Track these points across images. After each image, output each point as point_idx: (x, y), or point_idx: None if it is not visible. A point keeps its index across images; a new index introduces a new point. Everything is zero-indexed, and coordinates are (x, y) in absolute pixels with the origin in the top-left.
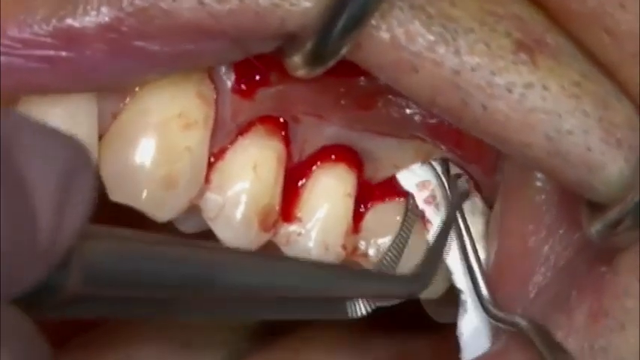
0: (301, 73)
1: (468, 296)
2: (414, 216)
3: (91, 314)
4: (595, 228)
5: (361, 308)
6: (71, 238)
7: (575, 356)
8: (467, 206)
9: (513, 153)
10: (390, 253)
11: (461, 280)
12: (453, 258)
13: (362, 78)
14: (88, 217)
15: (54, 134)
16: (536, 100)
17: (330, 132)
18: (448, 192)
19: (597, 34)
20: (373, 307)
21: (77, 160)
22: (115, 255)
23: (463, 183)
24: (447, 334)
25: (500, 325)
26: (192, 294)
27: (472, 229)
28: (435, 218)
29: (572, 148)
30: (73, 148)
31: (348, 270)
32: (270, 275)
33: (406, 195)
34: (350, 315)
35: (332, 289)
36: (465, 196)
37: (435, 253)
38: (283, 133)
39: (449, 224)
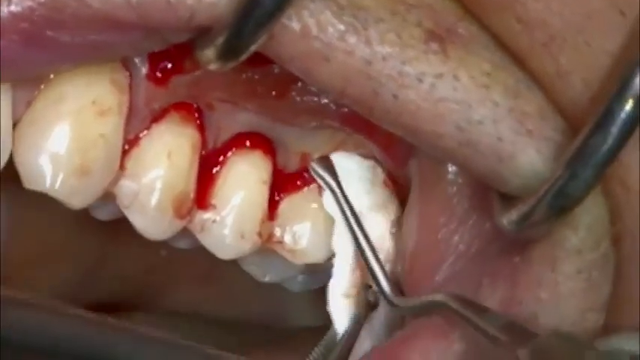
0: (213, 66)
1: (339, 260)
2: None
3: None
4: (506, 219)
5: None
6: None
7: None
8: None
9: (425, 144)
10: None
11: (338, 245)
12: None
13: (275, 65)
14: None
15: None
16: (447, 90)
17: (244, 119)
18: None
19: (508, 22)
20: None
21: None
22: (23, 322)
23: (375, 295)
24: None
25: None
26: None
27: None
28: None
29: (483, 138)
30: None
31: None
32: None
33: None
34: None
35: None
36: (372, 307)
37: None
38: (198, 120)
39: (354, 333)
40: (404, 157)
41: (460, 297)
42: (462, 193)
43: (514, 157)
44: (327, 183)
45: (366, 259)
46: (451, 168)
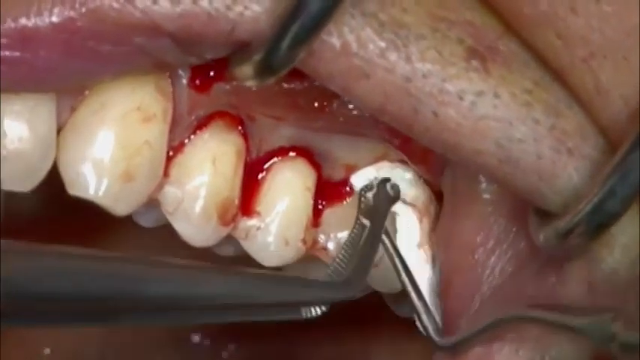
0: (251, 83)
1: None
2: (364, 219)
3: (22, 325)
4: (543, 236)
5: (315, 309)
6: None
7: None
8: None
9: (464, 161)
10: (341, 255)
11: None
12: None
13: None
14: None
15: None
16: (487, 108)
17: (286, 132)
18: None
19: (549, 38)
20: (326, 308)
21: None
22: (35, 270)
23: (394, 187)
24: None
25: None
26: (119, 305)
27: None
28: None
29: (523, 156)
30: None
31: (277, 277)
32: (198, 285)
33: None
34: (305, 315)
35: (261, 297)
36: (393, 200)
37: (365, 257)
38: (241, 129)
39: (377, 230)
40: (439, 169)
41: (530, 305)
42: (498, 212)
43: (554, 175)
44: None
45: (411, 298)
46: (487, 187)
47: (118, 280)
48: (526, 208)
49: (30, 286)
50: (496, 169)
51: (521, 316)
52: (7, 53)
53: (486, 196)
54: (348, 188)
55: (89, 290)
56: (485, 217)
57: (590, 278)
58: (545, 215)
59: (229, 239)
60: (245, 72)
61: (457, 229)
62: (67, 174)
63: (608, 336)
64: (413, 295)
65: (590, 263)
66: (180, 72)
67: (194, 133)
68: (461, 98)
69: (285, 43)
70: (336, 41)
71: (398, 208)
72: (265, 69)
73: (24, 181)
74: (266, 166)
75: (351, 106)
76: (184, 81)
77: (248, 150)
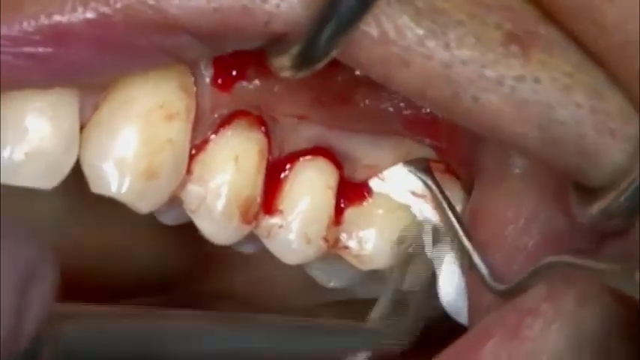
0: (287, 74)
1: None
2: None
3: None
4: (585, 212)
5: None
6: (30, 336)
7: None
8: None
9: (505, 142)
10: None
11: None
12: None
13: (339, 73)
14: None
15: (14, 232)
16: (528, 93)
17: (308, 133)
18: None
19: (585, 25)
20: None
21: (38, 259)
22: (86, 336)
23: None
24: None
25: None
26: None
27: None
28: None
29: (566, 137)
30: (34, 246)
31: (316, 325)
32: (242, 338)
33: None
34: None
35: (303, 347)
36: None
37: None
38: (264, 128)
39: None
40: (466, 157)
41: (568, 250)
42: (530, 189)
43: (597, 154)
44: (425, 183)
45: (468, 252)
46: (518, 163)
47: (167, 339)
48: (561, 185)
49: (85, 349)
50: (538, 151)
51: (554, 263)
52: (40, 50)
53: (517, 171)
54: (369, 188)
55: (144, 350)
56: (516, 193)
57: (629, 257)
58: (585, 192)
59: (250, 237)
60: (283, 63)
61: (487, 206)
62: (89, 171)
63: (632, 282)
64: (465, 241)
65: (630, 244)
66: (203, 71)
67: (217, 131)
68: (500, 84)
69: (324, 35)
70: (373, 30)
71: (410, 200)
72: (304, 61)
73: (46, 178)
74: (288, 165)
75: (368, 102)
76: (207, 79)
77: (270, 149)
